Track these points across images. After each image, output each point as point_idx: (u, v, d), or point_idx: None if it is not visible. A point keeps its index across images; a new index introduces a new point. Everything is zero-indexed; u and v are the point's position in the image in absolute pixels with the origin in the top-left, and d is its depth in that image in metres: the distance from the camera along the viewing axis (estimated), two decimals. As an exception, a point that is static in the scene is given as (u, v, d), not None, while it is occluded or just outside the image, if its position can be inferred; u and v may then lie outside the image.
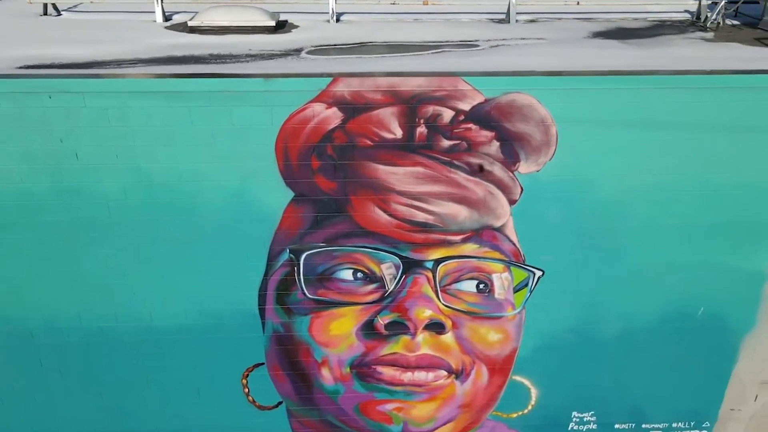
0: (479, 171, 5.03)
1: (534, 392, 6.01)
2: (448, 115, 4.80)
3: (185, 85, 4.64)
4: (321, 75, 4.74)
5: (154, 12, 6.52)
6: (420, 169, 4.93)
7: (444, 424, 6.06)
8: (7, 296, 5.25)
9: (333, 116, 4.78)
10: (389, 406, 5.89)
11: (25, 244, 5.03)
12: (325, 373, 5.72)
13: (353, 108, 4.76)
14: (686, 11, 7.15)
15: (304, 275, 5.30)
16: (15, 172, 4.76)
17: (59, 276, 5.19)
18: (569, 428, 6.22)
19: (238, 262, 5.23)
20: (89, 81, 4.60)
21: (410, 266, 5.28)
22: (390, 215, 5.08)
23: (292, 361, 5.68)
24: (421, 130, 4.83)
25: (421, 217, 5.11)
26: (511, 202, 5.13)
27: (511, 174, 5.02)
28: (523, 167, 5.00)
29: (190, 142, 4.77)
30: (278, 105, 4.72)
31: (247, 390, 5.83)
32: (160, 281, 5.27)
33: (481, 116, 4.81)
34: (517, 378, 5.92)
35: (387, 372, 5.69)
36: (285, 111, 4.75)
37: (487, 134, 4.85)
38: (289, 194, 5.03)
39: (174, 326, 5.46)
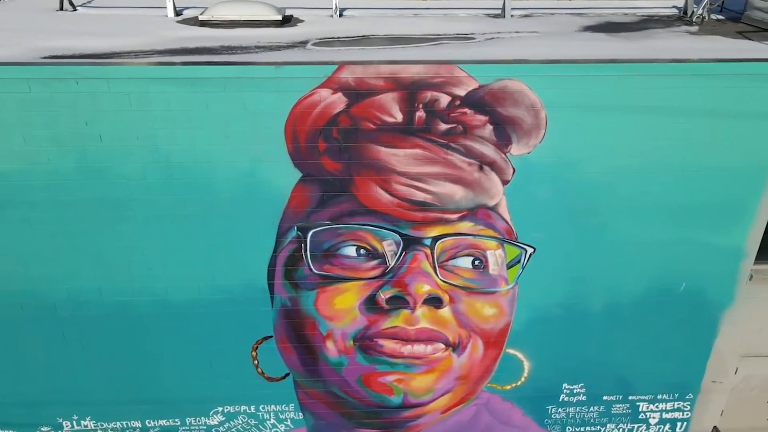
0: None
1: (527, 365, 6.33)
2: (445, 100, 5.13)
3: (202, 72, 4.98)
4: (327, 63, 5.09)
5: (165, 7, 6.82)
6: (419, 151, 5.27)
7: (442, 395, 6.38)
8: (33, 271, 5.58)
9: (338, 101, 5.11)
10: (390, 378, 6.21)
11: (51, 221, 5.36)
12: (329, 345, 6.04)
13: (357, 93, 5.10)
14: (674, 7, 7.46)
15: (310, 251, 5.63)
16: (43, 153, 5.09)
17: (82, 252, 5.52)
18: (560, 399, 6.53)
19: (249, 239, 5.56)
20: (113, 68, 4.93)
21: (410, 243, 5.61)
22: (391, 195, 5.42)
23: (298, 334, 6.01)
24: (420, 114, 5.17)
25: (420, 196, 5.44)
26: (504, 182, 5.46)
27: (503, 156, 5.36)
28: (515, 149, 5.34)
29: (206, 125, 5.10)
30: (287, 91, 5.06)
31: (256, 362, 6.15)
32: (175, 257, 5.60)
33: (476, 101, 5.14)
34: (511, 351, 6.23)
35: (388, 345, 6.02)
36: (294, 96, 5.09)
37: (481, 118, 5.19)
38: (297, 174, 5.36)
39: (188, 300, 5.79)
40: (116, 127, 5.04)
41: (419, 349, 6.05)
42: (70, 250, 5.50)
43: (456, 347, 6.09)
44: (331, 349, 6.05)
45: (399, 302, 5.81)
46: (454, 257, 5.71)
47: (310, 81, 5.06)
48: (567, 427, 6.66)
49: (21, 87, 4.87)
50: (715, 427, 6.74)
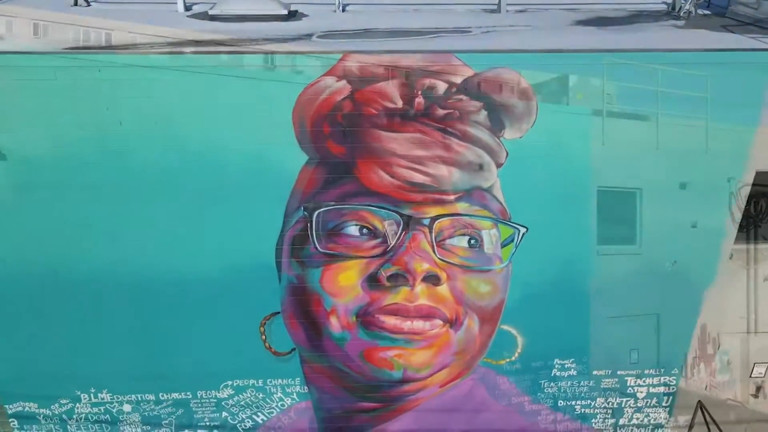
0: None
1: (520, 341, 6.61)
2: (442, 87, 5.47)
3: (215, 60, 5.32)
4: (332, 52, 5.42)
5: (176, 2, 7.10)
6: (418, 135, 5.60)
7: (440, 369, 6.63)
8: (54, 250, 5.90)
9: (342, 88, 5.45)
10: (391, 353, 6.46)
11: (73, 202, 5.69)
12: (333, 321, 6.32)
13: (360, 81, 5.44)
14: (663, 3, 7.76)
15: (315, 231, 5.95)
16: (66, 137, 5.43)
17: (101, 231, 5.84)
18: (552, 374, 6.81)
19: (258, 219, 5.87)
20: (133, 56, 5.28)
21: (409, 223, 5.93)
22: (392, 177, 5.75)
23: (304, 310, 6.30)
24: (419, 100, 5.50)
25: (419, 178, 5.77)
26: (498, 165, 5.79)
27: (497, 140, 5.69)
28: (508, 134, 5.67)
29: (218, 110, 5.44)
30: (295, 78, 5.39)
31: (264, 337, 6.45)
32: (189, 236, 5.91)
33: (471, 88, 5.48)
34: (505, 327, 6.52)
35: (389, 321, 6.29)
36: (301, 84, 5.43)
37: (476, 104, 5.52)
38: (304, 157, 5.70)
39: (201, 278, 6.09)
40: (135, 112, 5.37)
41: (418, 324, 6.32)
42: (90, 229, 5.82)
43: (453, 323, 6.37)
44: (334, 324, 6.33)
45: (399, 279, 6.11)
46: (451, 236, 6.02)
47: (316, 69, 5.41)
48: (559, 401, 6.95)
49: (47, 74, 5.20)
50: (699, 401, 7.03)
